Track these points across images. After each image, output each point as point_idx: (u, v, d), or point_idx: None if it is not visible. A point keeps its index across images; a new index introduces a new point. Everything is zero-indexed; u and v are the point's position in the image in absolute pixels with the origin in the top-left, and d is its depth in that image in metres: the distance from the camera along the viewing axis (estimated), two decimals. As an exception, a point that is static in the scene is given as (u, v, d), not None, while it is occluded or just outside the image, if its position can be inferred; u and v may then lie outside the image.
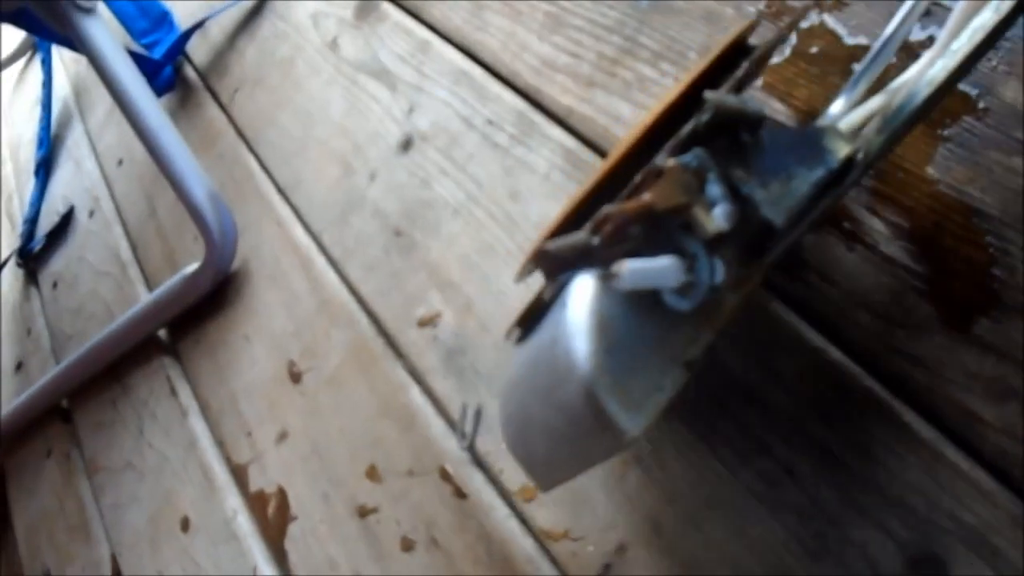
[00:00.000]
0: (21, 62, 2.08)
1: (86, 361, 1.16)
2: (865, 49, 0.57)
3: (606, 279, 0.35)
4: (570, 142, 0.72)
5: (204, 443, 0.94)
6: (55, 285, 1.41)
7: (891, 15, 0.50)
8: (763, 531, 0.52)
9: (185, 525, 0.92)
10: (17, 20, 1.21)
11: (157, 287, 1.09)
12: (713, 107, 0.37)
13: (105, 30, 1.10)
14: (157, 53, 1.34)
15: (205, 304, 1.02)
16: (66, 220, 1.46)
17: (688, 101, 0.42)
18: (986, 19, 0.43)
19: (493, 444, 0.67)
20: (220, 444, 0.92)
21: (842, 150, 0.43)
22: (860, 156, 0.43)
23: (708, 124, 0.37)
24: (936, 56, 0.45)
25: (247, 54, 1.19)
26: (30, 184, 1.62)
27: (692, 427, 0.57)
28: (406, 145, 0.85)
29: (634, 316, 0.37)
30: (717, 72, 0.44)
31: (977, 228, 0.50)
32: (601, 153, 0.70)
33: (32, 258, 1.52)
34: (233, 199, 1.05)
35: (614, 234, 0.35)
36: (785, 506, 0.52)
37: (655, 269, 0.35)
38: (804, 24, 0.61)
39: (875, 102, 0.48)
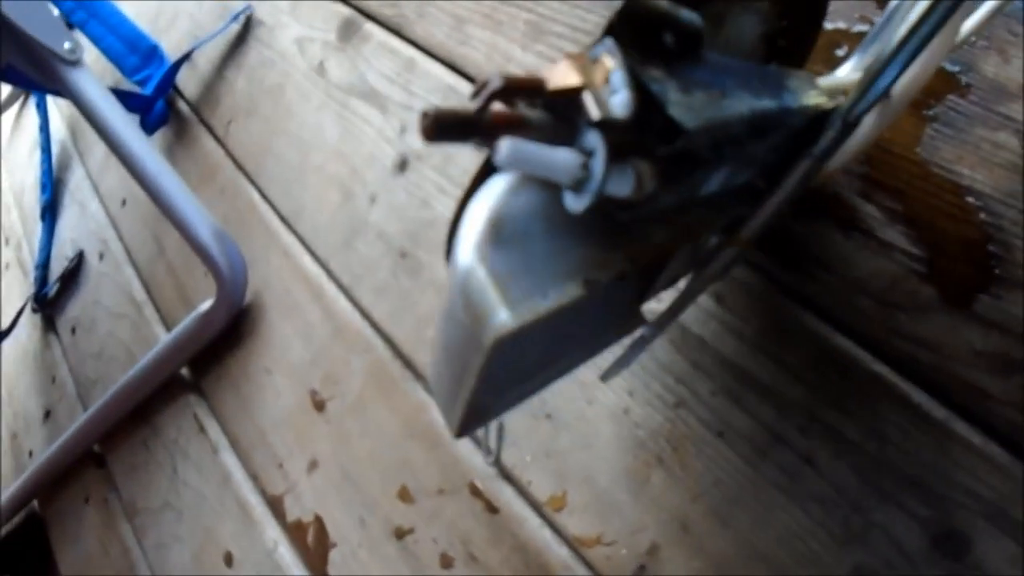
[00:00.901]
0: (15, 107, 2.09)
1: (113, 405, 1.17)
2: (844, 33, 0.58)
3: (491, 155, 0.31)
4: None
5: (238, 477, 0.95)
6: (73, 331, 1.43)
7: None
8: (788, 521, 0.53)
9: (229, 560, 0.93)
10: (3, 76, 1.22)
11: (173, 325, 1.10)
12: None
13: (93, 80, 1.11)
14: (149, 88, 1.35)
15: (223, 339, 1.03)
16: (77, 265, 1.47)
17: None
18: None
19: (518, 457, 0.68)
20: (254, 477, 0.93)
21: (811, 98, 0.41)
22: (834, 106, 0.41)
23: (620, 14, 0.33)
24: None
25: (237, 84, 1.19)
26: (38, 229, 1.64)
27: (709, 425, 0.58)
28: (402, 166, 0.86)
29: (539, 219, 0.35)
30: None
31: (970, 206, 0.50)
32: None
33: (47, 303, 1.54)
34: (238, 232, 1.06)
35: (491, 100, 0.31)
36: (808, 495, 0.53)
37: (543, 154, 0.32)
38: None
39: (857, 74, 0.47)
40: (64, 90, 1.12)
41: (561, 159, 0.32)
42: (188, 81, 1.33)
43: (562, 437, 0.66)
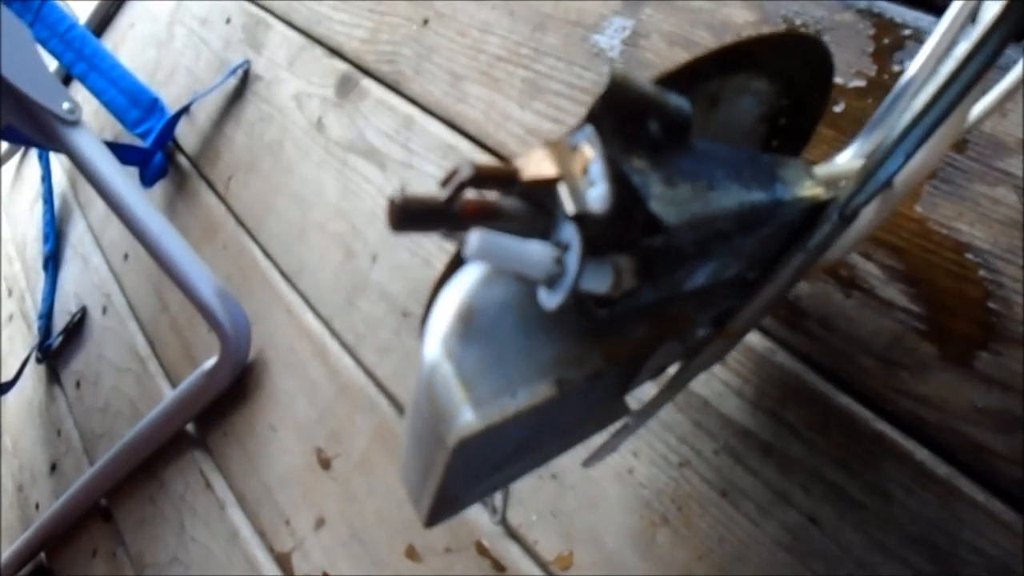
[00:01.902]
0: (16, 158, 2.10)
1: (120, 460, 1.17)
2: (840, 89, 0.58)
3: (461, 247, 0.30)
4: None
5: (246, 534, 0.95)
6: (78, 384, 1.43)
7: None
8: (793, 579, 0.53)
9: (237, 616, 0.94)
10: (3, 135, 1.23)
11: (178, 381, 1.11)
12: (611, 82, 0.31)
13: (92, 139, 1.12)
14: (150, 141, 1.36)
15: (228, 396, 1.04)
16: (80, 319, 1.48)
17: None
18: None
19: (524, 516, 0.68)
20: (261, 534, 0.93)
21: (806, 189, 0.39)
22: (830, 198, 0.39)
23: (603, 100, 0.31)
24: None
25: (236, 139, 1.20)
26: (40, 281, 1.64)
27: (712, 484, 0.58)
28: (403, 224, 0.86)
29: (512, 312, 0.34)
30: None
31: (969, 263, 0.50)
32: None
33: (52, 355, 1.54)
34: (241, 289, 1.06)
35: (461, 189, 0.29)
36: (812, 553, 0.53)
37: (515, 248, 0.30)
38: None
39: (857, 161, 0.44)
40: (63, 149, 1.13)
41: (534, 253, 0.31)
42: (188, 135, 1.34)
43: (568, 497, 0.66)
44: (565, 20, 0.78)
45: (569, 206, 0.30)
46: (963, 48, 0.33)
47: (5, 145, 2.11)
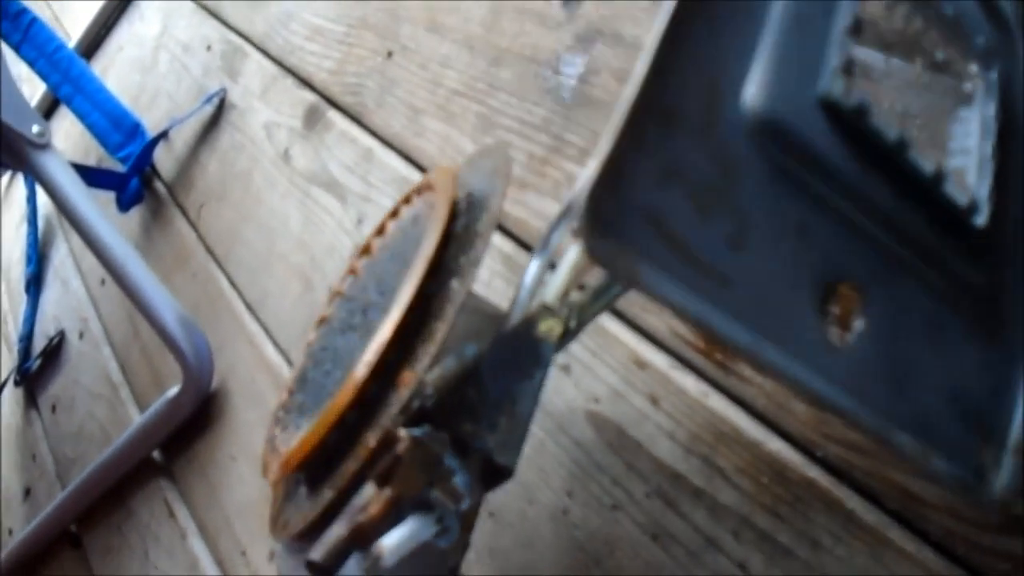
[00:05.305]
0: (5, 179, 2.10)
1: (88, 487, 1.17)
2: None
3: (372, 564, 0.36)
4: (507, 247, 0.73)
5: (205, 564, 0.95)
6: (54, 408, 1.43)
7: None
8: (722, 629, 0.53)
9: (196, 647, 0.93)
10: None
11: (147, 408, 1.11)
12: (434, 392, 0.40)
13: (61, 164, 1.13)
14: (127, 166, 1.36)
15: (193, 424, 1.04)
16: (59, 343, 1.48)
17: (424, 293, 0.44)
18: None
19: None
20: (220, 564, 0.93)
21: (554, 330, 0.44)
22: (573, 325, 0.44)
23: (435, 404, 0.39)
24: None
25: (209, 167, 1.21)
26: (23, 303, 1.65)
27: (644, 528, 0.58)
28: (359, 258, 0.87)
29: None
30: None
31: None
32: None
33: (30, 378, 1.54)
34: (208, 317, 1.07)
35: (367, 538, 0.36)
36: (741, 602, 0.53)
37: (410, 534, 0.36)
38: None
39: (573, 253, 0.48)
40: (32, 172, 1.13)
41: (422, 527, 0.37)
42: (165, 161, 1.35)
43: (504, 536, 0.66)
44: (521, 55, 0.79)
45: (451, 507, 0.39)
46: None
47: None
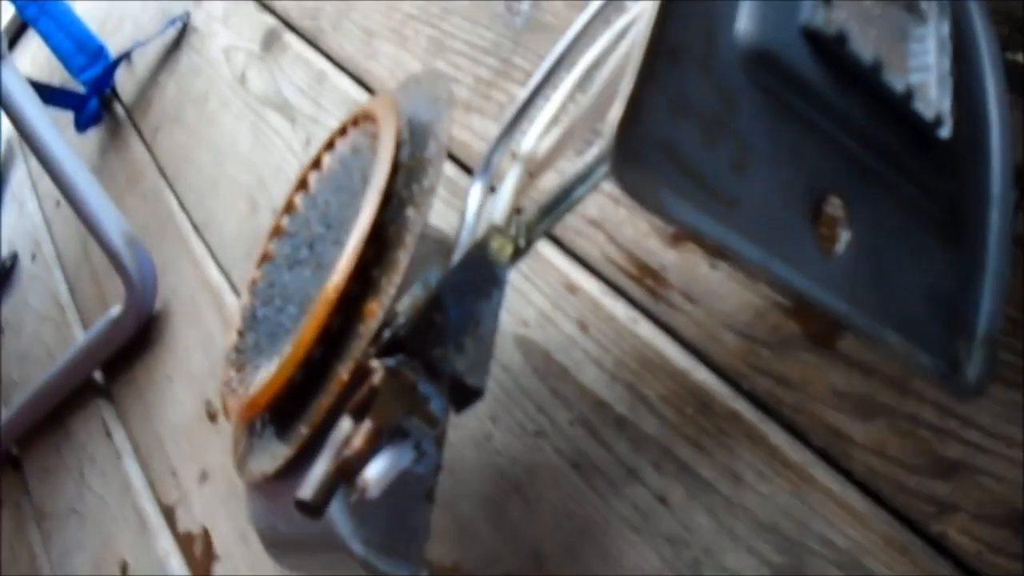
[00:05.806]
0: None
1: (29, 407, 1.16)
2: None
3: (359, 496, 0.37)
4: (450, 170, 0.72)
5: (137, 485, 0.94)
6: (2, 331, 1.42)
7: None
8: (639, 561, 0.52)
9: (124, 569, 0.92)
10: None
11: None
12: (407, 321, 0.40)
13: (16, 76, 1.11)
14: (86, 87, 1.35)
15: (134, 345, 1.03)
16: (12, 266, 1.46)
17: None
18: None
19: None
20: (151, 485, 0.92)
21: (505, 249, 0.44)
22: (523, 244, 0.45)
23: (407, 333, 0.40)
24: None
25: (168, 90, 1.19)
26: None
27: (566, 456, 0.57)
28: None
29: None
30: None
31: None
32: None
33: (-18, 303, 1.53)
34: (157, 239, 1.05)
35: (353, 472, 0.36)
36: (659, 534, 0.51)
37: (391, 463, 0.37)
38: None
39: (514, 174, 0.49)
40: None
41: (402, 453, 0.38)
42: (126, 84, 1.33)
43: (427, 460, 0.65)
44: (478, -20, 0.77)
45: (429, 431, 0.40)
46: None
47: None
